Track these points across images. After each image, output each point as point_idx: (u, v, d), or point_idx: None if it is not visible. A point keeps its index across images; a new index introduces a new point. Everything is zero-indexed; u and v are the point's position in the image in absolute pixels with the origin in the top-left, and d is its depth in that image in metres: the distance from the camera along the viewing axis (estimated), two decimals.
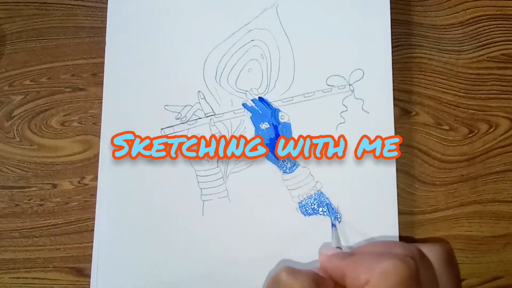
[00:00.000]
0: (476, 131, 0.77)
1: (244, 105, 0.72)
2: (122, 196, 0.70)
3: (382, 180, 0.70)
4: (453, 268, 0.42)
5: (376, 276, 0.36)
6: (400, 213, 0.74)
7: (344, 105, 0.71)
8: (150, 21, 0.74)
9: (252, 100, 0.72)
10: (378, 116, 0.71)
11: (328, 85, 0.72)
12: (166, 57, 0.73)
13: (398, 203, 0.73)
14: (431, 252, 0.42)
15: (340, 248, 0.57)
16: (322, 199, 0.70)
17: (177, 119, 0.71)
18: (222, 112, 0.72)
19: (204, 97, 0.72)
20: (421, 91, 0.77)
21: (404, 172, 0.76)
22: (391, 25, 0.74)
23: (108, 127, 0.71)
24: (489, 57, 0.79)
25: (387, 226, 0.69)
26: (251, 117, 0.72)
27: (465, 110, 0.77)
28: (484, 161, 0.77)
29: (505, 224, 0.76)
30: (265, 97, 0.72)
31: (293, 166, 0.71)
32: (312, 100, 0.72)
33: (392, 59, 0.74)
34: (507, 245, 0.76)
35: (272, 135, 0.71)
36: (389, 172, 0.70)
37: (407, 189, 0.76)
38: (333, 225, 0.69)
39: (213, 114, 0.72)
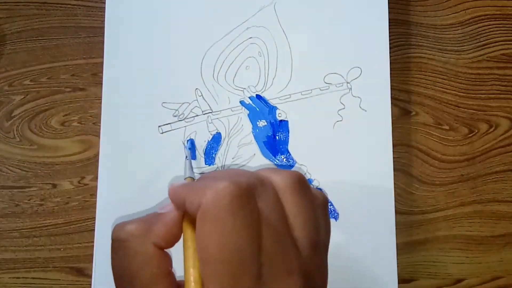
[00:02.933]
0: (476, 131, 0.77)
1: (241, 102, 0.72)
2: (122, 195, 0.70)
3: (379, 178, 0.70)
4: (301, 194, 0.40)
5: (206, 198, 0.36)
6: (400, 213, 0.74)
7: (341, 103, 0.71)
8: (148, 19, 0.73)
9: (249, 97, 0.72)
10: (375, 114, 0.71)
11: (325, 83, 0.72)
12: (164, 55, 0.73)
13: (398, 203, 0.73)
14: (277, 178, 0.41)
15: (192, 178, 0.56)
16: None
17: (175, 116, 0.71)
18: (220, 110, 0.72)
19: (202, 95, 0.72)
20: (421, 91, 0.77)
21: (404, 172, 0.76)
22: (391, 25, 0.74)
23: (108, 126, 0.71)
24: (489, 57, 0.79)
25: (384, 224, 0.69)
26: (248, 115, 0.71)
27: (465, 110, 0.77)
28: (484, 161, 0.77)
29: (505, 224, 0.76)
30: (262, 94, 0.72)
31: (290, 163, 0.71)
32: (310, 98, 0.71)
33: (392, 59, 0.74)
34: (507, 245, 0.76)
35: (269, 132, 0.71)
36: (387, 170, 0.70)
37: (407, 189, 0.76)
38: (186, 157, 0.68)
39: (211, 111, 0.72)
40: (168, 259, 0.40)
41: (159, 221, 0.40)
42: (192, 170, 0.64)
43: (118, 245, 0.40)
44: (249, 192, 0.37)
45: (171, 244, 0.40)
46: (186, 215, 0.41)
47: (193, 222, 0.39)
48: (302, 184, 0.41)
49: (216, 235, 0.35)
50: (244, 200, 0.36)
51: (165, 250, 0.40)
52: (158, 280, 0.39)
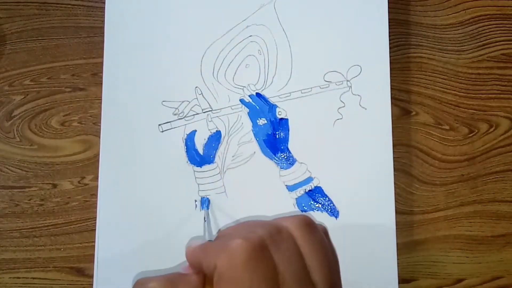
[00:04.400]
0: (476, 131, 0.77)
1: (241, 100, 0.72)
2: (123, 194, 0.70)
3: (380, 175, 0.70)
4: (313, 235, 0.41)
5: (221, 259, 0.36)
6: (400, 212, 0.74)
7: (341, 101, 0.71)
8: (148, 19, 0.74)
9: (249, 95, 0.72)
10: (375, 112, 0.71)
11: (325, 81, 0.72)
12: (164, 54, 0.73)
13: (398, 203, 0.73)
14: (290, 224, 0.41)
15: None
16: (319, 195, 0.70)
17: (175, 114, 0.71)
18: (220, 108, 0.72)
19: (202, 93, 0.72)
20: (421, 91, 0.77)
21: (404, 172, 0.76)
22: (391, 25, 0.74)
23: (108, 126, 0.71)
24: (489, 57, 0.79)
25: (384, 221, 0.69)
26: (248, 113, 0.72)
27: (465, 110, 0.78)
28: (484, 161, 0.77)
29: (505, 224, 0.76)
30: (262, 92, 0.72)
31: (290, 162, 0.71)
32: (310, 96, 0.72)
33: (392, 59, 0.74)
34: (507, 245, 0.76)
35: (269, 131, 0.71)
36: (387, 167, 0.70)
37: (407, 189, 0.76)
38: (205, 219, 0.69)
39: (211, 109, 0.72)
40: None
41: (184, 284, 0.40)
42: (211, 233, 0.64)
43: None
44: (262, 246, 0.37)
45: None
46: (208, 279, 0.41)
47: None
48: (310, 225, 0.41)
49: None
50: (258, 255, 0.36)
51: None
52: None
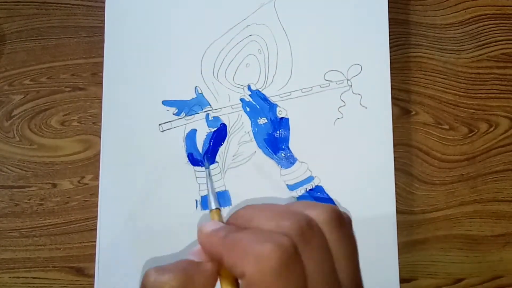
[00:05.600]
0: (476, 130, 0.77)
1: (241, 100, 0.72)
2: (123, 194, 0.70)
3: (380, 174, 0.70)
4: (342, 230, 0.39)
5: (251, 268, 0.34)
6: (400, 212, 0.74)
7: (342, 100, 0.71)
8: (148, 18, 0.73)
9: (249, 95, 0.72)
10: (376, 110, 0.71)
11: (326, 80, 0.72)
12: (164, 54, 0.73)
13: (398, 203, 0.73)
14: (319, 216, 0.39)
15: (219, 208, 0.53)
16: (320, 194, 0.70)
17: (175, 114, 0.71)
18: (220, 107, 0.72)
19: (202, 92, 0.72)
20: (421, 91, 0.77)
21: (404, 172, 0.76)
22: (391, 25, 0.74)
23: (109, 126, 0.71)
24: (489, 56, 0.79)
25: (385, 221, 0.69)
26: (248, 112, 0.72)
27: (465, 109, 0.77)
28: (484, 160, 0.77)
29: (505, 223, 0.76)
30: (263, 92, 0.72)
31: (291, 161, 0.71)
32: (310, 95, 0.72)
33: (392, 59, 0.74)
34: (507, 245, 0.76)
35: (269, 130, 0.71)
36: (387, 166, 0.70)
37: (407, 189, 0.76)
38: (207, 180, 0.68)
39: (211, 109, 0.72)
40: None
41: (199, 274, 0.38)
42: (217, 199, 0.61)
43: None
44: (295, 252, 0.35)
45: None
46: (222, 268, 0.39)
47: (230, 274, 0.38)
48: (340, 219, 0.39)
49: None
50: (290, 263, 0.34)
51: None
52: None
